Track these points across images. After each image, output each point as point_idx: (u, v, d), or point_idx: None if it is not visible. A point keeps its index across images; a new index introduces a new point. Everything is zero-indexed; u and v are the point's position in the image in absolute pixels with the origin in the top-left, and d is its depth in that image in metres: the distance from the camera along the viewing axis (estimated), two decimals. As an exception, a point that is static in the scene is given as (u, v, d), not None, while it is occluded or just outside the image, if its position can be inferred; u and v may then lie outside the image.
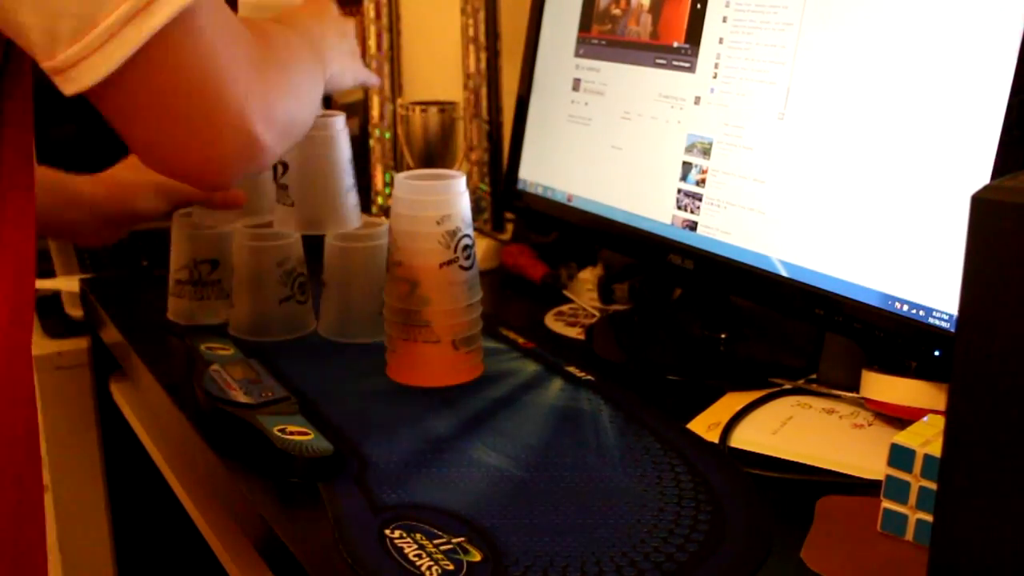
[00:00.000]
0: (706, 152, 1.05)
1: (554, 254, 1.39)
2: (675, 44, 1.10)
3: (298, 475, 0.83)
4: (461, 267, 0.98)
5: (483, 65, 1.49)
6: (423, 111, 1.52)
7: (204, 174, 0.70)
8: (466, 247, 0.98)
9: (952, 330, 0.84)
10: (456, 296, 0.98)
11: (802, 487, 0.83)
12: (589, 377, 1.02)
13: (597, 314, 1.25)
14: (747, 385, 1.01)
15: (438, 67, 1.73)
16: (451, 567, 0.71)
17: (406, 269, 0.97)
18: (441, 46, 1.71)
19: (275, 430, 0.86)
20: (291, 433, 0.86)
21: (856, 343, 0.98)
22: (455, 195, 0.98)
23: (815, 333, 1.04)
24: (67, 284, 1.40)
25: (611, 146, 1.17)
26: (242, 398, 0.91)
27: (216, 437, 0.91)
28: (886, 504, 0.75)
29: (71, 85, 0.62)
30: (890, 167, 0.89)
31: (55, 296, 1.41)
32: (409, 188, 0.98)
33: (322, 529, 0.77)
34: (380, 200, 1.61)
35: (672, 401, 1.00)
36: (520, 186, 1.31)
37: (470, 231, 0.99)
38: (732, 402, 0.98)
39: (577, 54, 1.23)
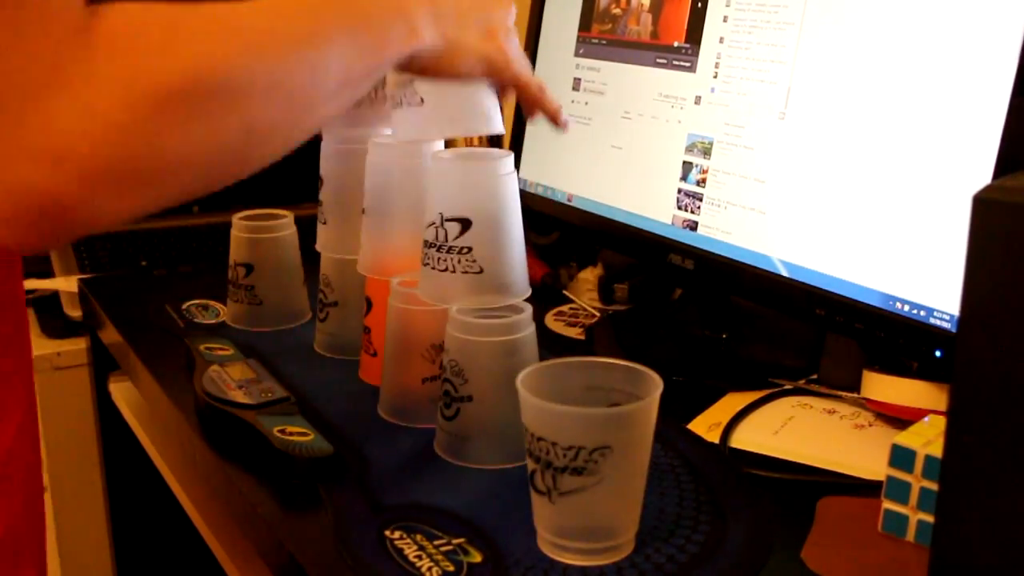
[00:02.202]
0: (706, 152, 1.05)
1: (554, 254, 1.39)
2: (675, 44, 1.09)
3: (297, 476, 0.83)
4: None
5: (483, 65, 1.49)
6: (423, 111, 1.51)
7: None
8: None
9: (953, 330, 0.84)
10: None
11: (803, 487, 0.83)
12: (589, 377, 1.02)
13: (597, 314, 1.24)
14: (748, 385, 1.01)
15: (438, 67, 1.73)
16: (451, 568, 0.71)
17: None
18: (441, 46, 1.70)
19: (275, 431, 0.86)
20: (291, 434, 0.86)
21: (857, 343, 0.97)
22: None
23: (816, 333, 1.04)
24: (66, 284, 1.40)
25: (611, 146, 1.17)
26: (241, 398, 0.91)
27: (216, 437, 0.91)
28: (887, 505, 0.75)
29: None
30: (891, 167, 0.89)
31: (54, 296, 1.41)
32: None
33: (322, 530, 0.76)
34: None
35: (672, 401, 0.99)
36: (520, 186, 1.30)
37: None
38: (733, 402, 0.98)
39: (577, 54, 1.23)
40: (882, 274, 0.90)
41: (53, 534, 1.41)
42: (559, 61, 1.25)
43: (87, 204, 0.51)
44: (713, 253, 1.04)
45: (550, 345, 1.12)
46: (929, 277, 0.86)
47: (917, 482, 0.73)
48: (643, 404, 0.71)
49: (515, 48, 0.81)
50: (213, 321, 1.19)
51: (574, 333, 1.19)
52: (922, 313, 0.87)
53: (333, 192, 1.06)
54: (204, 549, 1.06)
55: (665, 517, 0.77)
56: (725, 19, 1.04)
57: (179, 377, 1.04)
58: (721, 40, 1.04)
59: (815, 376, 1.02)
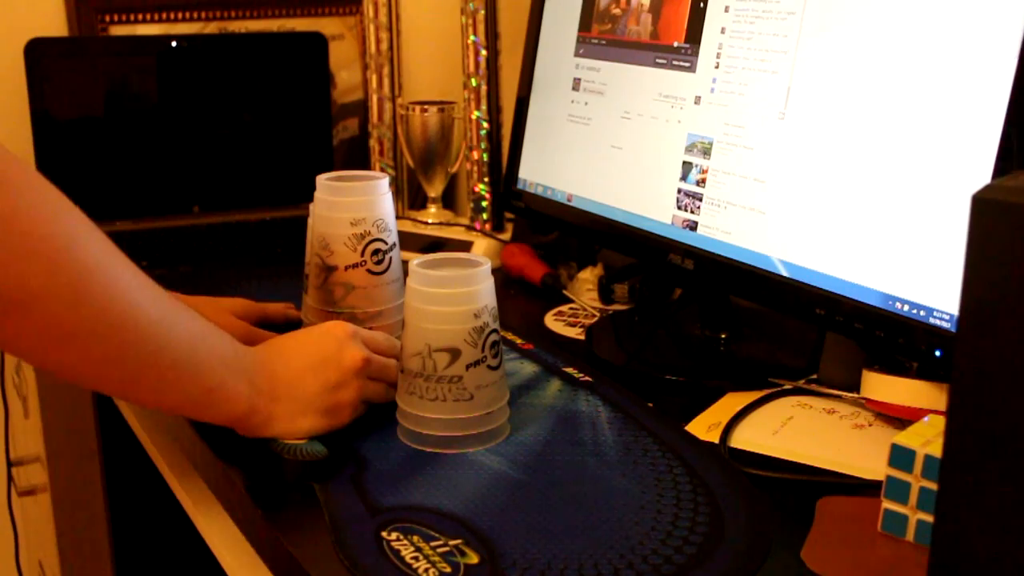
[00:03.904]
0: (706, 152, 1.05)
1: (554, 254, 1.39)
2: (675, 44, 1.09)
3: (290, 478, 0.83)
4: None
5: (483, 65, 1.49)
6: (423, 111, 1.52)
7: None
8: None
9: (953, 330, 0.84)
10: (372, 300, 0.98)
11: (802, 487, 0.83)
12: (588, 378, 1.02)
13: (597, 314, 1.24)
14: (747, 385, 1.01)
15: (438, 67, 1.73)
16: (448, 569, 0.70)
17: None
18: (441, 46, 1.71)
19: None
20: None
21: (857, 343, 0.97)
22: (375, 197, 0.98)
23: (815, 333, 1.04)
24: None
25: (611, 146, 1.17)
26: None
27: (214, 438, 0.91)
28: (886, 504, 0.75)
29: None
30: (891, 167, 0.89)
31: (54, 296, 1.41)
32: (328, 189, 0.98)
33: (320, 531, 0.76)
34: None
35: (672, 401, 0.99)
36: (520, 186, 1.31)
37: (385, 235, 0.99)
38: (732, 402, 0.97)
39: (577, 54, 1.23)
40: (882, 274, 0.90)
41: (53, 534, 1.41)
42: (559, 61, 1.25)
43: None
44: (713, 253, 1.04)
45: (550, 345, 1.12)
46: (929, 277, 0.86)
47: (917, 482, 0.73)
48: None
49: (362, 390, 0.88)
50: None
51: (574, 333, 1.19)
52: (922, 313, 0.87)
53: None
54: (204, 549, 1.06)
55: (663, 518, 0.77)
56: (725, 19, 1.04)
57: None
58: (721, 40, 1.04)
59: (815, 376, 1.02)
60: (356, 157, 1.74)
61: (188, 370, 0.75)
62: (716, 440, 0.90)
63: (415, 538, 0.74)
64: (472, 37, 1.49)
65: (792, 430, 0.92)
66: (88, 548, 1.45)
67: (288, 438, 0.85)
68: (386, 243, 0.98)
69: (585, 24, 1.22)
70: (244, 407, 0.81)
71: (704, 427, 0.93)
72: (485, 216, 1.52)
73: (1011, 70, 0.81)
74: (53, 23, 1.56)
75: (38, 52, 1.48)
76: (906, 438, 0.74)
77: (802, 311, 0.96)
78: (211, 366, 0.77)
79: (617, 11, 1.18)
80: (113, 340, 0.69)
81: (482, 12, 1.48)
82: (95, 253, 0.67)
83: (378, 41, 1.60)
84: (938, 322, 0.86)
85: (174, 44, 1.56)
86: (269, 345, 0.86)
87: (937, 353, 0.86)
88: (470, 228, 1.52)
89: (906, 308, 0.88)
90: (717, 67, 1.04)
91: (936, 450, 0.72)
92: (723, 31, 1.04)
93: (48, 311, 0.64)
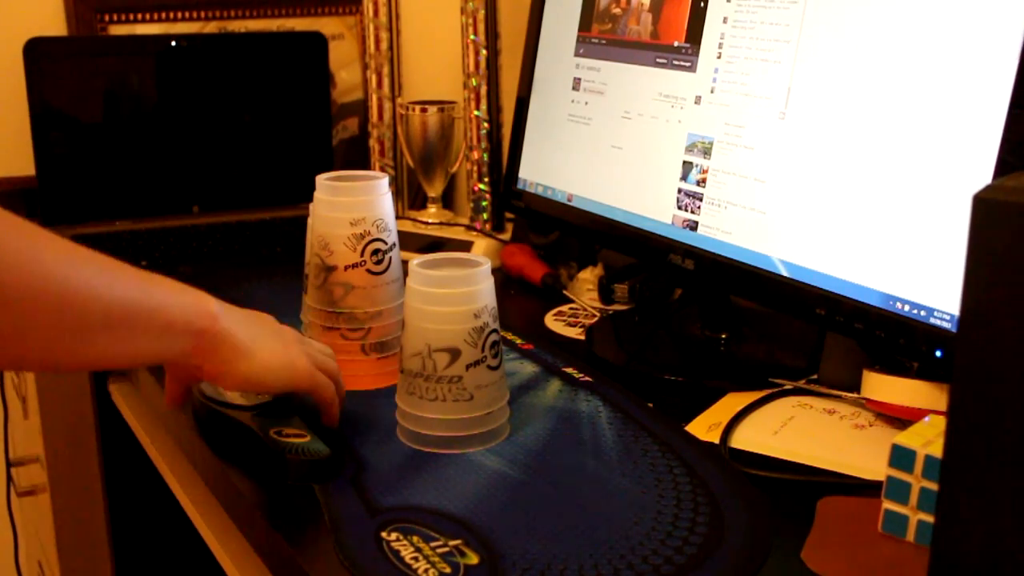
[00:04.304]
0: (707, 152, 1.05)
1: (554, 254, 1.39)
2: (676, 43, 1.09)
3: (292, 478, 0.83)
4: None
5: (483, 65, 1.49)
6: (423, 111, 1.52)
7: None
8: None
9: (953, 330, 0.84)
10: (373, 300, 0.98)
11: (803, 488, 0.83)
12: (588, 378, 1.02)
13: (597, 314, 1.24)
14: (748, 385, 1.01)
15: (438, 67, 1.73)
16: (448, 570, 0.70)
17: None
18: (441, 46, 1.71)
19: (271, 432, 0.86)
20: (287, 435, 0.86)
21: (857, 343, 0.97)
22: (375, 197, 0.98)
23: (816, 333, 1.04)
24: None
25: (611, 146, 1.17)
26: (238, 400, 0.91)
27: (214, 439, 0.91)
28: (887, 505, 0.74)
29: None
30: (891, 167, 0.89)
31: (54, 296, 1.41)
32: (328, 189, 0.98)
33: (320, 532, 0.76)
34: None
35: (672, 402, 0.99)
36: (520, 186, 1.31)
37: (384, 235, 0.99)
38: (732, 403, 0.97)
39: (577, 53, 1.23)
40: (882, 274, 0.89)
41: (53, 534, 1.41)
42: (559, 61, 1.25)
43: None
44: (713, 253, 1.03)
45: (550, 345, 1.11)
46: (929, 277, 0.86)
47: (917, 482, 0.73)
48: None
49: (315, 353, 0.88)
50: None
51: (574, 333, 1.19)
52: (922, 313, 0.87)
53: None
54: (203, 550, 1.06)
55: (663, 518, 0.77)
56: (725, 19, 1.04)
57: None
58: (721, 40, 1.04)
59: (815, 376, 1.02)
60: (356, 157, 1.74)
61: (146, 312, 0.75)
62: (716, 440, 0.90)
63: (415, 538, 0.74)
64: (472, 37, 1.49)
65: (792, 430, 0.92)
66: (88, 548, 1.44)
67: (255, 382, 0.83)
68: (386, 243, 0.98)
69: (585, 24, 1.22)
70: (212, 326, 0.79)
71: (704, 427, 0.93)
72: (485, 216, 1.52)
73: (1012, 70, 0.81)
74: (52, 22, 1.56)
75: (37, 51, 1.48)
76: (907, 438, 0.74)
77: (802, 311, 0.96)
78: (169, 300, 0.77)
79: (617, 11, 1.17)
80: (57, 322, 0.69)
81: (482, 12, 1.48)
82: (11, 245, 0.66)
83: (378, 41, 1.60)
84: (939, 322, 0.86)
85: (173, 44, 1.56)
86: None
87: (937, 353, 0.86)
88: (470, 228, 1.52)
89: (907, 308, 0.88)
90: (719, 57, 1.04)
91: (937, 450, 0.72)
92: (725, 20, 1.04)
93: None
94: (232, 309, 0.82)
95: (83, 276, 0.70)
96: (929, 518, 0.72)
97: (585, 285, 1.31)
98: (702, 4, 1.06)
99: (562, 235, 1.39)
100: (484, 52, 1.49)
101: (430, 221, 1.54)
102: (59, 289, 0.68)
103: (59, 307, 0.68)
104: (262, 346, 0.83)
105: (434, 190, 1.56)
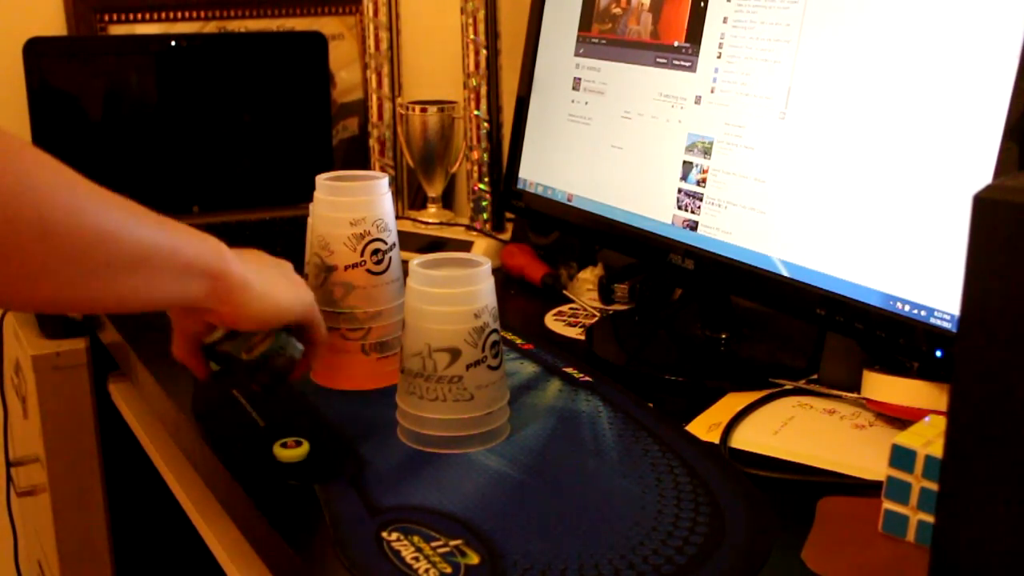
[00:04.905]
0: (707, 152, 1.05)
1: (554, 254, 1.39)
2: (676, 43, 1.09)
3: (283, 480, 0.83)
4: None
5: (483, 65, 1.49)
6: (423, 111, 1.52)
7: None
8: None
9: (953, 330, 0.84)
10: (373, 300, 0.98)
11: (803, 488, 0.83)
12: (588, 378, 1.02)
13: (597, 314, 1.24)
14: (748, 385, 1.01)
15: (438, 67, 1.73)
16: (449, 570, 0.70)
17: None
18: (441, 46, 1.71)
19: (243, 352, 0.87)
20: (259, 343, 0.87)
21: (857, 343, 0.97)
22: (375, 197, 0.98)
23: (816, 333, 1.04)
24: (66, 284, 1.39)
25: (611, 146, 1.16)
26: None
27: (213, 439, 0.91)
28: (887, 505, 0.74)
29: None
30: (891, 167, 0.89)
31: (54, 296, 1.41)
32: (328, 189, 0.98)
33: (320, 531, 0.76)
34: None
35: (672, 402, 0.99)
36: (520, 186, 1.31)
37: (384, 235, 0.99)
38: (733, 403, 0.97)
39: (577, 53, 1.23)
40: (882, 274, 0.89)
41: (53, 534, 1.41)
42: (559, 61, 1.25)
43: None
44: (713, 253, 1.03)
45: (550, 345, 1.11)
46: (929, 277, 0.86)
47: (917, 482, 0.73)
48: None
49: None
50: (212, 321, 1.18)
51: (574, 333, 1.19)
52: (922, 313, 0.87)
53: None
54: (203, 549, 1.06)
55: (664, 518, 0.77)
56: (725, 19, 1.04)
57: (179, 377, 1.03)
58: (722, 40, 1.04)
59: (815, 376, 1.02)
60: (356, 157, 1.74)
61: (168, 253, 0.77)
62: (716, 440, 0.90)
63: (415, 538, 0.74)
64: (472, 36, 1.49)
65: (792, 430, 0.92)
66: (88, 548, 1.44)
67: (270, 318, 0.85)
68: (386, 243, 0.98)
69: (585, 24, 1.22)
70: (227, 268, 0.81)
71: (704, 427, 0.93)
72: (485, 216, 1.52)
73: (1012, 70, 0.81)
74: (52, 22, 1.56)
75: (37, 51, 1.48)
76: (907, 438, 0.74)
77: (802, 311, 0.96)
78: (188, 243, 0.80)
79: (617, 10, 1.17)
80: (87, 259, 0.70)
81: (482, 12, 1.48)
82: (51, 181, 0.68)
83: (378, 41, 1.60)
84: (939, 322, 0.86)
85: (173, 44, 1.56)
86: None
87: (938, 353, 0.86)
88: (470, 228, 1.52)
89: (907, 308, 0.88)
90: (719, 57, 1.04)
91: (937, 450, 0.72)
92: (725, 20, 1.04)
93: (18, 249, 0.66)
94: (239, 252, 0.83)
95: (113, 216, 0.71)
96: (929, 518, 0.72)
97: (585, 285, 1.31)
98: (702, 4, 1.06)
99: (562, 235, 1.39)
100: (484, 52, 1.49)
101: (430, 221, 1.54)
102: (92, 227, 0.69)
103: (91, 244, 0.69)
104: (274, 284, 0.86)
105: (434, 190, 1.56)
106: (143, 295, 0.76)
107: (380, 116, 1.61)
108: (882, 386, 0.91)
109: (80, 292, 0.71)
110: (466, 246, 1.45)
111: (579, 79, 1.22)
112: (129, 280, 0.73)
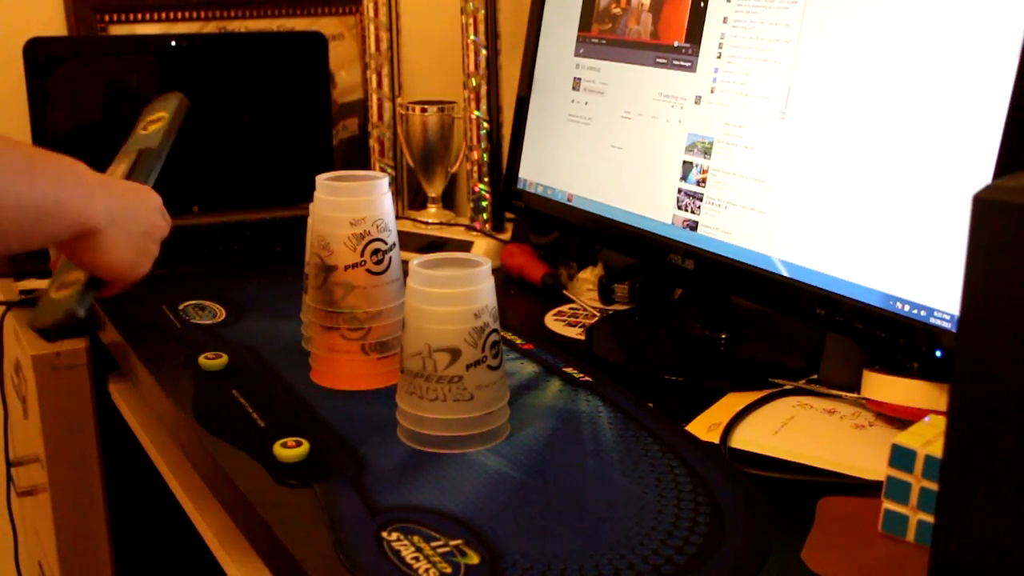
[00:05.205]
0: (707, 152, 1.05)
1: (554, 254, 1.39)
2: (676, 43, 1.09)
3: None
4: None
5: (483, 65, 1.49)
6: (423, 111, 1.52)
7: None
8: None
9: (953, 330, 0.84)
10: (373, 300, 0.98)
11: (803, 488, 0.83)
12: (588, 378, 1.02)
13: (597, 314, 1.24)
14: (748, 385, 1.01)
15: (438, 67, 1.73)
16: (449, 570, 0.70)
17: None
18: (441, 46, 1.71)
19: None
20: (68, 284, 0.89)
21: (857, 343, 0.97)
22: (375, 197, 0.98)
23: (816, 333, 1.04)
24: (66, 284, 1.39)
25: (611, 146, 1.17)
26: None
27: (213, 438, 0.91)
28: (887, 505, 0.74)
29: None
30: (891, 167, 0.89)
31: (54, 296, 1.41)
32: (328, 189, 0.98)
33: (320, 531, 0.76)
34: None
35: (672, 402, 0.99)
36: (520, 186, 1.31)
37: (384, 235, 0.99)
38: (733, 402, 0.97)
39: (577, 53, 1.23)
40: (882, 274, 0.89)
41: (53, 534, 1.41)
42: (559, 61, 1.25)
43: None
44: (713, 253, 1.03)
45: (550, 345, 1.11)
46: (929, 277, 0.86)
47: (917, 482, 0.73)
48: None
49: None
50: (210, 321, 1.19)
51: (574, 333, 1.19)
52: (922, 313, 0.87)
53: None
54: (203, 550, 1.06)
55: (664, 518, 0.77)
56: (725, 19, 1.04)
57: (179, 377, 1.03)
58: (721, 40, 1.04)
59: (815, 376, 1.02)
60: (356, 157, 1.74)
61: (44, 212, 0.81)
62: (716, 440, 0.90)
63: (415, 538, 0.74)
64: (472, 37, 1.49)
65: (792, 430, 0.92)
66: (88, 548, 1.44)
67: (105, 266, 0.88)
68: (386, 243, 0.98)
69: (585, 24, 1.22)
70: (94, 227, 0.85)
71: (704, 427, 0.93)
72: (485, 216, 1.52)
73: (1012, 69, 0.81)
74: (52, 23, 1.56)
75: (37, 51, 1.48)
76: (907, 438, 0.74)
77: (802, 311, 0.96)
78: (63, 199, 0.83)
79: (617, 11, 1.17)
80: None
81: (482, 12, 1.48)
82: None
83: (378, 41, 1.60)
84: (939, 322, 0.86)
85: (173, 44, 1.56)
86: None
87: (938, 353, 0.86)
88: (470, 228, 1.52)
89: (907, 308, 0.88)
90: (719, 57, 1.04)
91: (937, 450, 0.72)
92: (725, 20, 1.04)
93: None
94: (110, 197, 0.87)
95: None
96: (929, 518, 0.72)
97: (585, 285, 1.31)
98: (702, 4, 1.06)
99: (562, 235, 1.39)
100: (484, 52, 1.49)
101: (430, 221, 1.54)
102: None
103: None
104: (123, 246, 0.89)
105: (434, 190, 1.56)
106: (12, 243, 0.81)
107: (380, 116, 1.61)
108: (882, 386, 0.91)
109: None
110: (466, 246, 1.45)
111: (579, 79, 1.22)
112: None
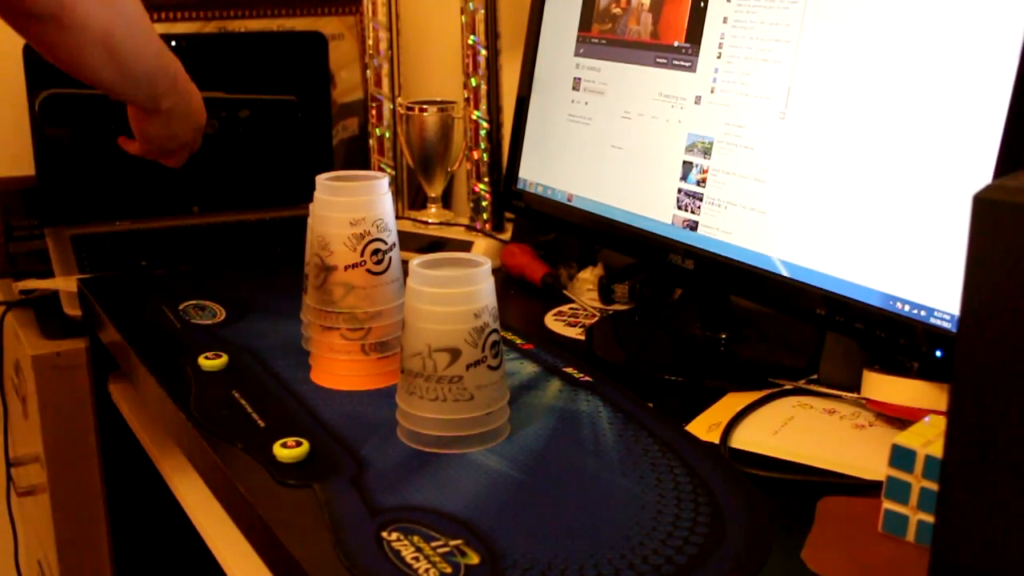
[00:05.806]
0: (707, 152, 1.05)
1: (554, 254, 1.39)
2: (676, 43, 1.09)
3: None
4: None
5: (483, 65, 1.49)
6: (423, 111, 1.52)
7: None
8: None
9: (953, 330, 0.84)
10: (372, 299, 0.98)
11: (803, 488, 0.83)
12: (588, 378, 1.02)
13: (597, 314, 1.24)
14: (748, 385, 1.01)
15: (438, 67, 1.73)
16: (449, 570, 0.70)
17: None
18: (441, 46, 1.71)
19: None
20: None
21: (857, 343, 0.97)
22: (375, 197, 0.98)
23: (816, 333, 1.04)
24: (65, 284, 1.40)
25: (611, 146, 1.17)
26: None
27: (213, 439, 0.91)
28: (887, 505, 0.74)
29: None
30: (891, 166, 0.89)
31: (53, 296, 1.41)
32: (327, 189, 0.98)
33: (320, 531, 0.76)
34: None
35: (672, 402, 0.99)
36: (520, 186, 1.31)
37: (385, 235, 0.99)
38: (733, 403, 0.97)
39: (577, 53, 1.23)
40: (882, 274, 0.89)
41: (53, 534, 1.41)
42: (559, 61, 1.25)
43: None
44: (713, 253, 1.03)
45: (550, 345, 1.11)
46: (929, 277, 0.86)
47: (917, 482, 0.73)
48: None
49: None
50: (210, 321, 1.19)
51: (574, 333, 1.19)
52: (922, 313, 0.87)
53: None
54: (203, 550, 1.06)
55: (664, 518, 0.77)
56: (725, 19, 1.04)
57: (179, 377, 1.03)
58: (721, 40, 1.04)
59: (815, 376, 1.02)
60: (356, 157, 1.74)
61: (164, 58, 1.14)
62: (716, 440, 0.90)
63: (415, 538, 0.74)
64: (472, 37, 1.49)
65: (792, 430, 0.92)
66: (88, 548, 1.44)
67: (152, 140, 1.23)
68: (386, 243, 0.98)
69: (585, 24, 1.22)
70: (169, 100, 1.19)
71: (704, 427, 0.93)
72: (485, 216, 1.52)
73: (1012, 69, 0.81)
74: (53, 23, 1.56)
75: (37, 52, 1.48)
76: (907, 438, 0.74)
77: (802, 311, 0.96)
78: (170, 68, 1.17)
79: (617, 11, 1.17)
80: (138, 35, 1.08)
81: (482, 12, 1.48)
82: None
83: (378, 41, 1.60)
84: (939, 322, 0.86)
85: (173, 44, 1.56)
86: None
87: (938, 353, 0.86)
88: (470, 228, 1.52)
89: (907, 308, 0.88)
90: (719, 57, 1.04)
91: (937, 450, 0.72)
92: (725, 20, 1.04)
93: (85, 11, 1.01)
94: (176, 92, 1.19)
95: (150, 44, 1.12)
96: (929, 518, 0.72)
97: (585, 285, 1.31)
98: (702, 4, 1.06)
99: (562, 235, 1.39)
100: (484, 52, 1.49)
101: (430, 221, 1.54)
102: (132, 50, 1.08)
103: (129, 57, 1.08)
104: (178, 124, 1.23)
105: (434, 190, 1.56)
106: (143, 90, 1.15)
107: (380, 116, 1.61)
108: (882, 386, 0.91)
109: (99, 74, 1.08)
110: (466, 246, 1.45)
111: (579, 79, 1.22)
112: (135, 79, 1.12)
